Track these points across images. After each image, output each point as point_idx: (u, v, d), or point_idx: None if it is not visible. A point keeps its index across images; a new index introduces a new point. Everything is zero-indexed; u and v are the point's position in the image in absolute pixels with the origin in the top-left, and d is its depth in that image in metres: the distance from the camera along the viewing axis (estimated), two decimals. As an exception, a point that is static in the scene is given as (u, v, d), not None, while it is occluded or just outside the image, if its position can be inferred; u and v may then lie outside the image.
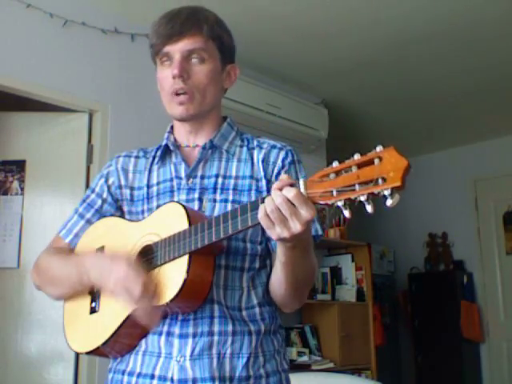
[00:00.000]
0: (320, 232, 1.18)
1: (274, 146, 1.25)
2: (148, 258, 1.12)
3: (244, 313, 1.14)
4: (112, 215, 1.28)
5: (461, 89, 4.28)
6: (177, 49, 1.19)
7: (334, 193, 0.87)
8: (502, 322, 5.12)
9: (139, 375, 1.12)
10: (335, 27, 3.43)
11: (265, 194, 1.18)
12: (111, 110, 3.14)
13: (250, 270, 1.17)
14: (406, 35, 3.50)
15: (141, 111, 3.26)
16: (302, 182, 0.92)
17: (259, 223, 0.95)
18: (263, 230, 1.13)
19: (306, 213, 0.91)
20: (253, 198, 1.17)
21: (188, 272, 1.03)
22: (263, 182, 1.20)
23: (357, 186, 0.85)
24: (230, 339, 1.11)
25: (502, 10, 3.22)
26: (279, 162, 1.23)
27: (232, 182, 1.20)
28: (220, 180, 1.20)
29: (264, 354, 1.14)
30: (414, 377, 5.28)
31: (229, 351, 1.10)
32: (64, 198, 2.92)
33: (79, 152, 3.03)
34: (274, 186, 0.93)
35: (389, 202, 0.84)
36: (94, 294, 1.17)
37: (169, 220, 1.11)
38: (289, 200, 0.91)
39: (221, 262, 1.13)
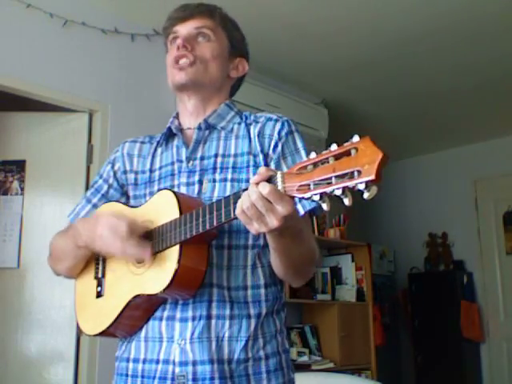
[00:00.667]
0: (309, 207, 1.13)
1: (269, 119, 1.24)
2: None
3: (249, 292, 1.15)
4: (117, 200, 1.30)
5: (461, 88, 4.28)
6: (185, 27, 1.25)
7: (312, 186, 0.84)
8: (502, 322, 5.11)
9: (144, 361, 1.14)
10: (335, 27, 3.43)
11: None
12: (111, 110, 3.14)
13: (255, 247, 1.16)
14: (406, 34, 3.50)
15: (141, 111, 3.27)
16: (279, 174, 0.90)
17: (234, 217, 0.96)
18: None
19: (282, 208, 0.90)
20: (251, 175, 1.17)
21: (179, 262, 1.05)
22: (260, 157, 1.19)
23: (333, 179, 0.82)
24: (227, 323, 1.12)
25: (502, 7, 3.21)
26: (275, 134, 1.21)
27: (231, 160, 1.20)
28: (219, 159, 1.20)
29: (264, 336, 1.15)
30: (413, 377, 5.28)
31: (227, 334, 1.11)
32: (64, 198, 2.92)
33: (79, 152, 3.03)
34: (252, 180, 0.92)
35: (365, 195, 0.80)
36: (100, 280, 1.21)
37: (161, 208, 1.12)
38: (264, 196, 0.90)
39: (223, 241, 1.14)
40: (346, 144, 0.82)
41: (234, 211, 0.95)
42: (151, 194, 1.23)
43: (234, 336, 1.11)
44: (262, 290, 1.16)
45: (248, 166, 1.18)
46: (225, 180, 1.17)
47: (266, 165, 1.18)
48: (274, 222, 0.91)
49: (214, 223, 1.00)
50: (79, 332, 2.78)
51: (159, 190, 1.19)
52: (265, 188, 0.89)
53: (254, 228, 0.93)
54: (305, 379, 2.54)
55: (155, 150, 1.30)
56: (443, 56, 3.77)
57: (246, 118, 1.27)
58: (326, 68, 3.96)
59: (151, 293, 1.08)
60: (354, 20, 3.35)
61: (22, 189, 2.98)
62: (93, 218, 1.21)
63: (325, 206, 0.85)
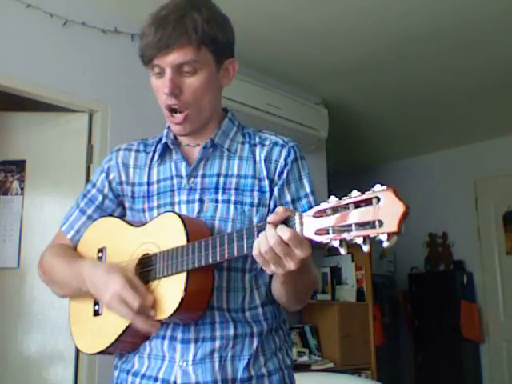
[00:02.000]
0: None
1: (276, 143, 1.22)
2: (147, 268, 1.13)
3: (247, 314, 1.15)
4: (111, 213, 1.28)
5: (461, 89, 4.28)
6: (166, 62, 1.12)
7: (330, 231, 0.87)
8: (502, 322, 5.12)
9: (143, 376, 1.14)
10: (335, 27, 3.43)
11: (267, 194, 1.17)
12: (111, 110, 3.14)
13: (252, 270, 1.17)
14: (406, 35, 3.50)
15: (141, 111, 3.26)
16: (297, 216, 0.91)
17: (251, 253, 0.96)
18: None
19: (300, 253, 0.91)
20: (255, 199, 1.16)
21: (186, 290, 1.04)
22: (266, 182, 1.18)
23: (353, 227, 0.84)
24: (231, 343, 1.12)
25: (501, 9, 3.21)
26: (282, 161, 1.19)
27: (234, 180, 1.18)
28: (222, 179, 1.18)
29: (264, 354, 1.15)
30: (413, 377, 5.29)
31: (230, 354, 1.11)
32: (64, 198, 2.92)
33: (79, 152, 3.03)
34: (269, 219, 0.92)
35: (385, 244, 0.82)
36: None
37: (167, 232, 1.11)
38: (283, 241, 0.90)
39: (223, 263, 1.12)
40: (367, 193, 0.84)
41: (247, 247, 0.96)
42: (150, 209, 1.21)
43: (237, 355, 1.12)
44: (260, 310, 1.17)
45: (252, 190, 1.17)
46: (228, 201, 1.16)
47: (271, 190, 1.18)
48: (291, 265, 0.92)
49: (226, 256, 1.00)
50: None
51: (160, 205, 1.19)
52: (285, 233, 0.90)
53: (271, 269, 0.94)
54: (305, 379, 2.54)
55: (151, 160, 1.26)
56: (443, 57, 3.77)
57: (250, 138, 1.24)
58: (326, 68, 3.96)
59: (156, 318, 1.07)
60: (355, 21, 3.35)
61: (22, 189, 2.98)
62: (102, 269, 1.13)
63: (342, 251, 0.87)
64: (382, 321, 5.03)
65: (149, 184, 1.24)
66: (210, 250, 1.02)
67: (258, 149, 1.21)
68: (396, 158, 5.92)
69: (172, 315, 1.04)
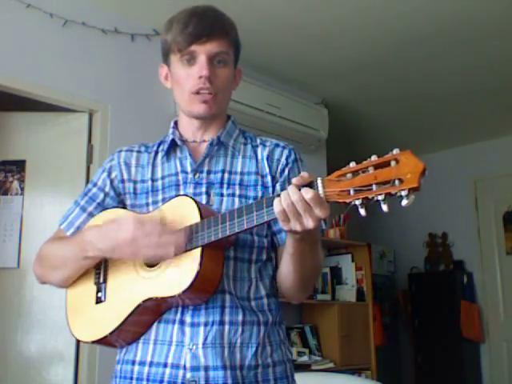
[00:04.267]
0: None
1: (277, 145, 1.30)
2: None
3: (253, 303, 1.18)
4: (116, 207, 1.29)
5: (461, 88, 4.28)
6: (204, 49, 1.21)
7: (352, 192, 0.92)
8: (501, 322, 5.11)
9: (151, 364, 1.13)
10: (335, 27, 3.43)
11: (270, 189, 1.24)
12: (111, 109, 3.14)
13: (258, 261, 1.21)
14: (407, 35, 3.50)
15: (141, 111, 3.27)
16: (319, 180, 0.96)
17: (274, 219, 1.01)
18: (268, 225, 1.21)
19: (319, 212, 0.96)
20: (259, 193, 1.22)
21: (201, 265, 1.06)
22: (268, 178, 1.24)
23: (374, 186, 0.90)
24: (240, 329, 1.14)
25: (501, 9, 3.22)
26: (283, 160, 1.27)
27: (238, 177, 1.24)
28: (226, 175, 1.24)
29: (271, 344, 1.18)
30: (413, 377, 5.28)
31: (239, 341, 1.13)
32: (64, 198, 2.91)
33: (79, 152, 3.03)
34: (294, 181, 0.98)
35: (404, 202, 0.87)
36: (100, 285, 1.19)
37: (179, 213, 1.13)
38: (305, 199, 0.96)
39: (230, 253, 1.16)
40: (386, 155, 0.91)
41: (267, 214, 1.01)
42: (155, 202, 1.24)
43: (246, 342, 1.14)
44: (265, 300, 1.20)
45: (256, 185, 1.24)
46: (233, 195, 1.22)
47: (273, 186, 1.25)
48: (310, 223, 0.97)
49: (245, 226, 1.03)
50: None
51: (165, 198, 1.21)
52: (308, 193, 0.95)
53: (290, 226, 0.99)
54: (305, 379, 2.53)
55: (154, 159, 1.30)
56: (443, 57, 3.77)
57: (251, 140, 1.32)
58: (326, 68, 3.96)
59: (168, 295, 1.07)
60: (355, 21, 3.35)
61: (22, 189, 2.98)
62: (107, 224, 1.15)
63: (362, 212, 0.92)
64: (382, 321, 5.04)
65: (153, 180, 1.27)
66: (228, 222, 1.05)
67: (259, 149, 1.29)
68: (396, 158, 5.91)
69: (187, 289, 1.05)
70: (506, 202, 5.18)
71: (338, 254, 4.34)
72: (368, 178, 0.90)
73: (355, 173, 0.92)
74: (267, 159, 1.26)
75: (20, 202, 2.97)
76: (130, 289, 1.14)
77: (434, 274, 5.41)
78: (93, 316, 1.19)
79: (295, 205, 0.96)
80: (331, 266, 4.21)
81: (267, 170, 1.25)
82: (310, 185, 0.97)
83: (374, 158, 0.92)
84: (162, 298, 1.09)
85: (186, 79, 1.23)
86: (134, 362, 1.16)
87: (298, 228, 0.98)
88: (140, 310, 1.11)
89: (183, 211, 1.12)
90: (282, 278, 1.20)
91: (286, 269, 1.16)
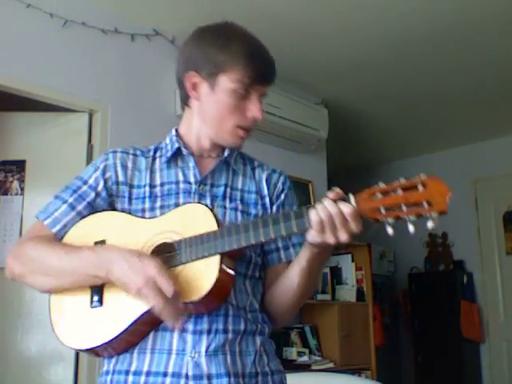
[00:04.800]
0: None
1: (274, 171, 1.35)
2: (167, 255, 1.12)
3: (249, 315, 1.19)
4: (104, 210, 1.24)
5: (461, 89, 4.28)
6: (261, 91, 1.25)
7: (382, 210, 0.98)
8: (502, 322, 5.12)
9: (148, 374, 1.11)
10: (335, 27, 3.43)
11: (268, 211, 1.28)
12: (111, 109, 3.14)
13: (252, 277, 1.23)
14: (407, 35, 3.50)
15: (141, 111, 3.27)
16: (352, 197, 1.01)
17: (303, 230, 1.04)
18: (262, 244, 1.23)
19: (355, 227, 1.00)
20: (259, 212, 1.26)
21: (220, 272, 1.06)
22: (267, 200, 1.29)
23: (403, 207, 0.96)
24: (239, 338, 1.15)
25: (501, 8, 3.21)
26: (279, 185, 1.32)
27: (239, 193, 1.27)
28: (228, 190, 1.26)
29: (267, 354, 1.20)
30: (413, 377, 5.29)
31: (238, 349, 1.14)
32: (64, 198, 2.91)
33: (79, 152, 3.03)
34: (330, 195, 1.02)
35: (430, 224, 0.96)
36: (96, 288, 1.13)
37: (193, 220, 1.12)
38: (343, 213, 1.00)
39: None
40: (414, 179, 0.98)
41: (296, 225, 1.03)
42: (152, 209, 1.21)
43: (244, 350, 1.15)
44: (259, 314, 1.22)
45: (256, 204, 1.27)
46: (235, 209, 1.24)
47: (271, 207, 1.29)
48: (344, 236, 1.01)
49: (272, 235, 1.05)
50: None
51: (164, 205, 1.19)
52: (347, 207, 1.00)
53: (324, 237, 1.02)
54: (305, 379, 2.54)
55: (152, 164, 1.28)
56: (443, 56, 3.77)
57: (249, 162, 1.35)
58: (326, 68, 3.96)
59: (184, 301, 1.04)
60: (355, 20, 3.35)
61: (22, 189, 2.98)
62: (132, 253, 1.07)
63: (390, 231, 0.98)
64: (382, 321, 5.04)
65: (151, 186, 1.25)
66: (251, 231, 1.06)
67: (257, 171, 1.33)
68: (396, 158, 5.92)
69: (206, 295, 1.04)
70: (506, 202, 5.18)
71: (338, 254, 4.34)
72: (398, 199, 0.97)
73: (385, 193, 0.98)
74: (266, 182, 1.31)
75: (20, 202, 2.97)
76: (130, 296, 1.08)
77: (434, 274, 5.41)
78: (86, 321, 1.13)
79: (333, 217, 1.00)
80: (331, 266, 4.21)
81: (266, 192, 1.29)
82: (344, 199, 1.02)
83: (402, 180, 0.98)
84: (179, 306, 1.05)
85: (235, 111, 1.22)
86: (127, 372, 1.13)
87: (331, 240, 1.01)
88: (145, 317, 1.07)
89: (197, 219, 1.11)
90: (279, 293, 1.22)
91: (291, 283, 1.18)
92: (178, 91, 1.38)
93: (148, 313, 1.06)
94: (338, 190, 1.03)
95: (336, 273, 4.24)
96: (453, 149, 5.56)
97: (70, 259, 1.12)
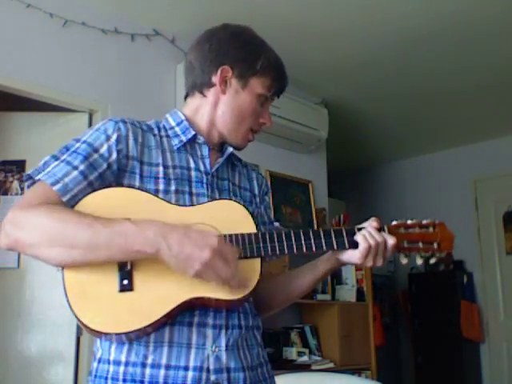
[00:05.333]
0: None
1: (258, 172, 1.42)
2: None
3: (247, 305, 1.22)
4: (119, 185, 1.15)
5: (461, 88, 4.28)
6: (273, 101, 1.34)
7: (405, 244, 1.22)
8: (501, 321, 5.11)
9: (168, 367, 1.08)
10: (335, 26, 3.43)
11: (257, 210, 1.34)
12: (111, 110, 3.14)
13: None
14: (407, 34, 3.50)
15: (141, 111, 3.26)
16: (387, 228, 1.22)
17: (348, 247, 1.18)
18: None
19: (390, 255, 1.19)
20: (254, 210, 1.32)
21: (261, 274, 1.12)
22: (257, 199, 1.36)
23: (420, 244, 1.22)
24: (247, 332, 1.20)
25: (501, 9, 3.22)
26: (264, 187, 1.40)
27: (237, 189, 1.31)
28: (231, 185, 1.30)
29: (261, 346, 1.26)
30: (413, 377, 5.28)
31: (246, 343, 1.19)
32: (64, 198, 2.92)
33: (79, 152, 3.03)
34: (375, 224, 1.21)
35: (432, 260, 1.24)
36: (126, 272, 1.06)
37: (230, 217, 1.15)
38: (386, 244, 1.18)
39: None
40: (427, 221, 1.24)
41: (348, 242, 1.18)
42: (166, 191, 1.16)
43: (250, 344, 1.21)
44: (252, 305, 1.26)
45: (251, 202, 1.33)
46: None
47: (258, 205, 1.36)
48: (380, 262, 1.18)
49: (324, 247, 1.17)
50: (80, 331, 2.78)
51: (178, 190, 1.17)
52: (392, 240, 1.19)
53: (365, 261, 1.18)
54: (305, 379, 2.54)
55: (161, 144, 1.23)
56: (443, 56, 3.77)
57: (240, 161, 1.38)
58: (326, 68, 3.96)
59: (225, 298, 1.08)
60: (355, 20, 3.35)
61: (22, 189, 2.98)
62: (194, 231, 1.04)
63: (405, 261, 1.22)
64: (382, 321, 5.04)
65: (165, 166, 1.19)
66: (303, 240, 1.15)
67: (248, 170, 1.39)
68: (396, 158, 5.92)
69: (247, 295, 1.10)
70: (506, 202, 5.18)
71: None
72: (418, 236, 1.22)
73: (406, 227, 1.23)
74: (256, 181, 1.38)
75: (20, 202, 2.97)
76: (169, 282, 1.06)
77: (433, 274, 5.40)
78: (116, 305, 1.05)
79: (379, 247, 1.17)
80: (331, 266, 4.20)
81: (256, 191, 1.36)
82: (381, 229, 1.21)
83: (415, 220, 1.24)
84: (217, 300, 1.09)
85: (254, 114, 1.28)
86: (144, 365, 1.08)
87: (369, 264, 1.17)
88: (182, 306, 1.06)
89: (235, 218, 1.16)
90: (278, 292, 1.33)
91: (299, 286, 1.30)
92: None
93: (189, 301, 1.06)
94: (376, 219, 1.21)
95: (336, 273, 4.23)
96: (453, 149, 5.56)
97: (109, 232, 1.02)
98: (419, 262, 1.21)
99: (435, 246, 1.20)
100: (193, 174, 1.22)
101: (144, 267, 1.06)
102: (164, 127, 1.28)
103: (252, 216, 1.16)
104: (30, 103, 2.99)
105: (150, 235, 1.01)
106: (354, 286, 4.17)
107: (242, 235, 1.12)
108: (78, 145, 1.15)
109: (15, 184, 2.99)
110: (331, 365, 3.75)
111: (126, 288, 1.05)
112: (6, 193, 2.99)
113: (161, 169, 1.18)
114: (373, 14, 3.29)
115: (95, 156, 1.13)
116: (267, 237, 1.13)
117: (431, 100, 4.49)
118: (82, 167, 1.11)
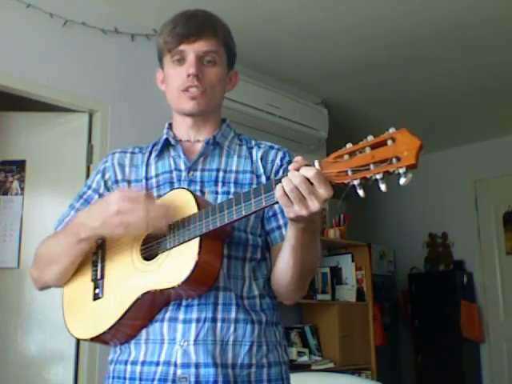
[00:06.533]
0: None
1: (271, 147, 1.31)
2: (156, 241, 1.13)
3: (246, 302, 1.17)
4: None
5: (461, 89, 4.28)
6: (192, 49, 1.24)
7: (349, 172, 0.90)
8: (501, 322, 5.12)
9: (143, 363, 1.13)
10: (335, 27, 3.43)
11: None
12: (111, 109, 3.14)
13: (252, 260, 1.20)
14: (406, 35, 3.50)
15: (141, 111, 3.26)
16: (317, 162, 0.94)
17: (273, 204, 0.99)
18: (262, 223, 1.22)
19: (324, 191, 0.93)
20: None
21: (199, 254, 1.05)
22: (263, 179, 1.25)
23: (371, 166, 0.88)
24: (232, 326, 1.13)
25: (501, 10, 3.22)
26: (278, 161, 1.28)
27: (233, 175, 1.25)
28: (221, 174, 1.25)
29: (267, 344, 1.17)
30: (414, 377, 5.28)
31: (232, 338, 1.13)
32: (64, 198, 2.91)
33: (79, 152, 3.03)
34: (291, 167, 0.96)
35: (402, 181, 0.87)
36: (97, 281, 1.18)
37: (177, 205, 1.12)
38: (307, 179, 0.93)
39: (224, 251, 1.15)
40: (382, 135, 0.91)
41: (265, 200, 0.98)
42: None
43: (239, 340, 1.13)
44: (257, 300, 1.19)
45: (251, 184, 1.24)
46: (227, 193, 1.22)
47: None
48: (316, 205, 0.94)
49: (243, 213, 1.01)
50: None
51: (161, 195, 1.20)
52: (309, 171, 0.93)
53: (294, 211, 0.96)
54: (305, 379, 2.54)
55: (148, 158, 1.31)
56: (443, 57, 3.78)
57: (246, 142, 1.33)
58: (326, 68, 3.96)
59: (166, 287, 1.06)
60: (355, 20, 3.35)
61: (22, 189, 2.98)
62: (96, 203, 1.19)
63: (361, 193, 0.91)
64: (382, 321, 5.03)
65: (147, 178, 1.28)
66: (226, 211, 1.03)
67: (254, 150, 1.30)
68: (396, 158, 5.91)
69: (186, 280, 1.04)
70: (506, 202, 5.18)
71: (338, 254, 4.34)
72: (365, 158, 0.89)
73: (352, 154, 0.91)
74: (261, 160, 1.27)
75: (20, 202, 2.97)
76: (127, 283, 1.13)
77: (434, 274, 5.41)
78: (90, 313, 1.18)
79: (299, 188, 0.94)
80: (331, 266, 4.21)
81: (262, 171, 1.26)
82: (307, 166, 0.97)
83: (370, 138, 0.91)
84: (161, 291, 1.07)
85: (175, 78, 1.26)
86: (126, 362, 1.16)
87: (303, 213, 0.95)
88: (138, 304, 1.10)
89: (180, 204, 1.11)
90: (279, 274, 1.18)
91: (286, 263, 1.14)
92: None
93: (141, 297, 1.09)
94: (298, 158, 0.97)
95: (336, 273, 4.24)
96: (453, 149, 5.56)
97: (60, 238, 1.21)
98: (383, 187, 0.88)
99: (394, 161, 0.86)
100: (174, 174, 1.25)
101: (111, 274, 1.17)
102: (159, 142, 1.34)
103: (195, 197, 1.10)
104: (30, 103, 2.99)
105: (79, 224, 1.16)
106: (353, 286, 4.18)
107: (179, 220, 1.09)
108: (82, 189, 1.37)
109: (15, 184, 2.99)
110: (331, 365, 3.75)
111: (98, 296, 1.17)
112: (6, 193, 2.99)
113: (144, 182, 1.28)
114: (372, 14, 3.29)
115: (89, 192, 1.33)
116: (203, 214, 1.07)
117: (431, 100, 4.49)
118: (77, 205, 1.32)
